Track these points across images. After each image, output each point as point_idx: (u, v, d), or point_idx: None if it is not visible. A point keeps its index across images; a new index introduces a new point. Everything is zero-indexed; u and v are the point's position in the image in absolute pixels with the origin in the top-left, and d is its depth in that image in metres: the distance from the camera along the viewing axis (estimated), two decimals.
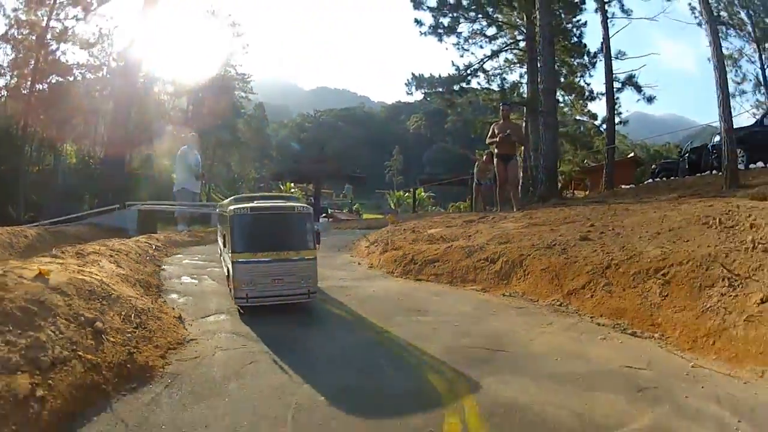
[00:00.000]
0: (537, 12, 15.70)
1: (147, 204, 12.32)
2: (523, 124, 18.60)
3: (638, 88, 19.89)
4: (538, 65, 15.38)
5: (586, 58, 21.24)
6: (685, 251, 3.41)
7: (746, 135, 13.28)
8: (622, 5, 19.98)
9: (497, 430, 2.01)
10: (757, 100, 22.76)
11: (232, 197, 6.18)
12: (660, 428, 1.98)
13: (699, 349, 2.73)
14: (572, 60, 21.40)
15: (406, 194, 33.72)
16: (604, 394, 2.28)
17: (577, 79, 21.45)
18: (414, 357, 2.88)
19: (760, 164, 12.85)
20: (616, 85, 20.00)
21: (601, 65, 20.07)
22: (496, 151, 10.16)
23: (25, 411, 1.78)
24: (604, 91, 20.05)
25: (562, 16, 20.88)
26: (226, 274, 5.09)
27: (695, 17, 20.77)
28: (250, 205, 4.92)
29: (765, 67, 21.82)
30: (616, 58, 20.25)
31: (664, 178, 15.97)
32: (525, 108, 19.93)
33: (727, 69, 19.85)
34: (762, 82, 22.20)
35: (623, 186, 16.68)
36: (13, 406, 1.75)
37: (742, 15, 22.15)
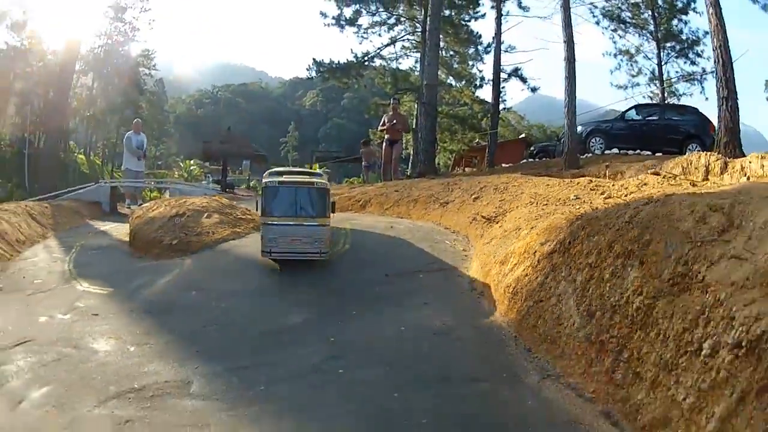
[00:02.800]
0: (428, 16, 20.69)
1: (115, 182, 16.27)
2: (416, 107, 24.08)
3: (523, 80, 26.08)
4: (425, 63, 20.18)
5: (479, 48, 26.99)
6: (449, 197, 9.62)
7: (607, 126, 18.61)
8: (520, 2, 25.66)
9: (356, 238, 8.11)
10: (651, 91, 28.78)
11: (268, 171, 8.77)
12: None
13: (437, 221, 8.80)
14: (464, 50, 27.18)
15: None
16: (408, 242, 7.68)
17: (468, 68, 27.66)
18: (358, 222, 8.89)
19: (614, 150, 17.39)
20: (504, 75, 25.76)
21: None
22: (386, 136, 15.90)
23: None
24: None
25: (460, 5, 26.27)
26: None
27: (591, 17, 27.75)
28: (279, 179, 7.55)
29: (662, 63, 27.79)
30: (506, 51, 25.82)
31: (544, 158, 20.01)
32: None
33: (622, 63, 27.98)
34: (656, 76, 28.46)
35: (504, 164, 21.42)
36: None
37: (646, 16, 28.03)
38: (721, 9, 13.84)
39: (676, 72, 27.45)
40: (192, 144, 37.66)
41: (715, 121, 14.20)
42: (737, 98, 13.29)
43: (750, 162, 8.81)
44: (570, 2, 15.59)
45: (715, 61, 13.89)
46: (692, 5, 26.54)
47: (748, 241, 2.74)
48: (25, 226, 9.61)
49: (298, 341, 4.57)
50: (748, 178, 8.21)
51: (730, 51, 13.82)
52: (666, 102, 26.10)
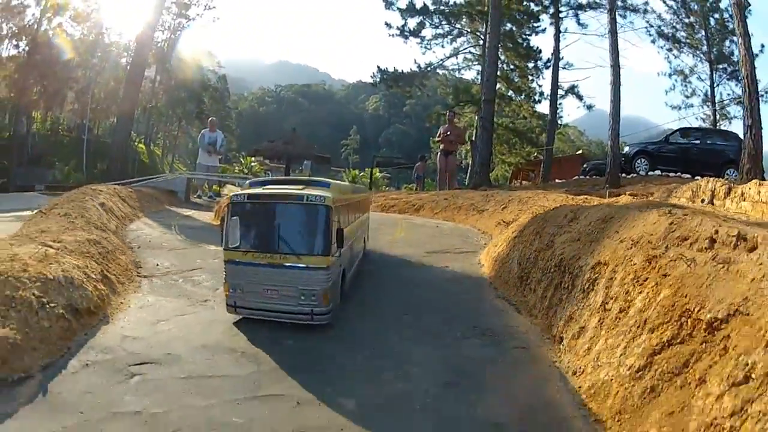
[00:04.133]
0: (488, 33, 23.75)
1: (187, 173, 20.58)
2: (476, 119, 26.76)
3: (579, 97, 29.03)
4: (484, 78, 23.34)
5: (539, 63, 29.64)
6: (485, 206, 12.79)
7: (653, 148, 20.37)
8: (578, 19, 28.51)
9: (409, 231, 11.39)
10: (704, 113, 30.59)
11: (249, 181, 8.24)
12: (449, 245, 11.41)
13: (473, 224, 12.11)
14: (523, 64, 29.78)
15: (362, 173, 42.11)
16: (447, 236, 11.13)
17: (528, 82, 30.13)
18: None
19: (657, 172, 19.28)
20: (561, 92, 28.89)
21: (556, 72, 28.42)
22: (441, 147, 18.86)
23: None
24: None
25: (521, 19, 29.07)
26: None
27: (648, 35, 29.78)
28: (251, 191, 6.54)
29: (714, 84, 29.04)
30: (564, 68, 28.81)
31: (596, 176, 21.62)
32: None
33: (676, 83, 30.46)
34: (708, 98, 29.82)
35: (557, 180, 24.30)
36: None
37: (700, 36, 29.61)
38: (750, 39, 15.48)
39: (728, 94, 28.50)
40: (253, 141, 41.95)
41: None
42: (761, 127, 14.62)
43: (750, 188, 10.62)
44: (618, 27, 17.98)
45: (742, 91, 15.42)
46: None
47: (578, 226, 6.02)
48: (121, 206, 11.92)
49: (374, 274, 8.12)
50: (746, 201, 10.30)
51: (756, 81, 15.21)
52: (717, 125, 27.89)
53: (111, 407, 3.68)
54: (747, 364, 2.86)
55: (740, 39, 15.20)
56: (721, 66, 28.42)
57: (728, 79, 28.14)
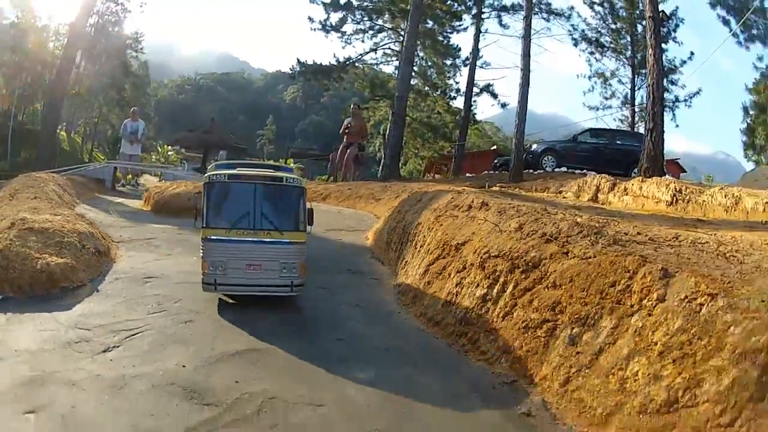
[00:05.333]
0: (406, 33, 26.14)
1: (114, 162, 23.12)
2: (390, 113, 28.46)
3: (494, 95, 32.10)
4: (399, 76, 26.29)
5: (457, 60, 33.12)
6: (382, 195, 16.58)
7: (560, 147, 22.76)
8: (500, 21, 31.71)
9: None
10: (623, 114, 34.42)
11: (215, 163, 9.85)
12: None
13: (370, 210, 15.79)
14: (441, 61, 33.19)
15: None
16: (345, 219, 14.73)
17: (445, 78, 33.77)
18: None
19: (563, 169, 21.09)
20: (476, 90, 31.95)
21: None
22: (344, 139, 21.53)
23: None
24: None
25: (443, 18, 31.80)
26: None
27: (571, 38, 33.05)
28: (229, 171, 7.43)
29: (635, 88, 32.53)
30: (481, 67, 32.13)
31: (504, 171, 23.64)
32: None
33: (595, 85, 34.48)
34: (628, 101, 33.51)
35: (468, 174, 27.33)
36: None
37: (626, 42, 33.20)
38: (661, 51, 17.91)
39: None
40: (171, 129, 44.51)
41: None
42: (663, 131, 16.82)
43: (632, 184, 13.60)
44: (532, 32, 20.85)
45: (647, 97, 17.85)
46: (672, 35, 31.94)
47: (419, 204, 9.97)
48: (60, 192, 13.97)
49: None
50: (628, 195, 13.37)
51: (662, 89, 17.71)
52: (635, 126, 31.03)
53: (139, 295, 7.11)
54: (466, 262, 6.80)
55: (650, 50, 17.48)
56: (644, 71, 30.43)
57: None
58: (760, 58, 30.59)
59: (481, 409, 4.86)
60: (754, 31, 28.29)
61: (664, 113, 28.84)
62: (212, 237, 6.75)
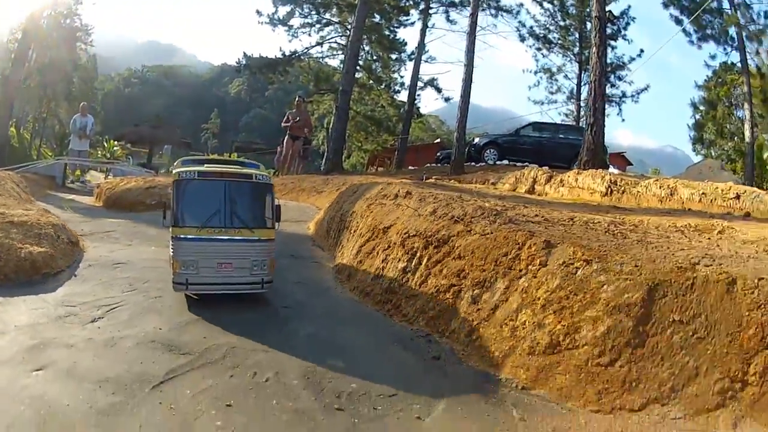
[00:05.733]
0: (351, 27, 27.03)
1: (64, 159, 23.29)
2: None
3: (438, 89, 32.82)
4: (344, 70, 26.57)
5: (402, 55, 33.65)
6: (324, 188, 17.83)
7: (503, 140, 23.17)
8: (448, 16, 32.14)
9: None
10: (568, 109, 35.26)
11: (181, 159, 9.32)
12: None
13: (312, 202, 17.05)
14: (387, 55, 33.58)
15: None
16: (289, 211, 16.32)
17: (390, 72, 34.28)
18: None
19: (505, 161, 21.84)
20: (421, 84, 32.48)
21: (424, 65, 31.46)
22: (289, 132, 21.36)
23: None
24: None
25: (390, 12, 32.15)
26: None
27: (518, 35, 33.77)
28: (198, 168, 7.47)
29: (581, 83, 32.63)
30: (426, 61, 32.67)
31: (446, 164, 23.87)
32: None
33: (541, 81, 35.35)
34: (574, 95, 34.10)
35: (410, 167, 28.14)
36: None
37: (574, 38, 33.81)
38: (605, 49, 18.41)
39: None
40: (117, 123, 44.50)
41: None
42: (603, 126, 17.19)
43: (569, 176, 14.30)
44: (476, 29, 21.17)
45: (589, 93, 17.94)
46: (623, 33, 33.05)
47: (355, 195, 11.37)
48: (18, 190, 14.06)
49: None
50: (563, 187, 13.95)
51: (604, 86, 18.16)
52: (580, 120, 30.95)
53: (112, 278, 8.19)
54: (391, 242, 8.18)
55: (594, 48, 17.94)
56: (590, 67, 30.90)
57: None
58: (713, 57, 31.87)
59: (400, 354, 6.23)
60: (708, 31, 29.27)
61: (611, 108, 31.37)
62: (184, 236, 6.82)
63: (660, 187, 12.43)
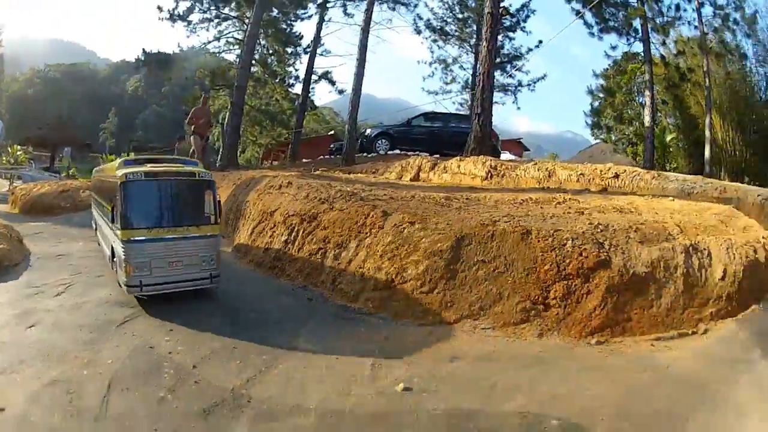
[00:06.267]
0: (250, 24, 26.52)
1: None
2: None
3: (332, 82, 32.82)
4: (239, 65, 26.61)
5: (298, 48, 33.09)
6: (221, 183, 20.05)
7: (394, 131, 23.29)
8: (345, 9, 31.94)
9: None
10: (463, 98, 34.88)
11: (121, 160, 9.29)
12: None
13: None
14: (282, 49, 33.13)
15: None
16: None
17: (285, 66, 34.00)
18: None
19: (397, 151, 22.06)
20: (315, 77, 32.29)
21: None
22: (195, 130, 20.38)
23: None
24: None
25: (288, 5, 31.42)
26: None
27: (415, 27, 33.35)
28: (143, 169, 7.50)
29: (476, 74, 28.94)
30: (321, 55, 32.77)
31: (339, 155, 23.99)
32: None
33: (436, 71, 34.81)
34: (469, 85, 33.60)
35: (304, 159, 28.23)
36: None
37: (471, 30, 33.80)
38: (495, 44, 19.07)
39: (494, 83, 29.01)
40: (21, 126, 43.63)
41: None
42: (491, 115, 17.90)
43: (451, 163, 15.33)
44: (370, 26, 21.53)
45: (478, 84, 18.53)
46: (522, 24, 33.56)
47: (248, 187, 13.97)
48: None
49: None
50: (447, 173, 14.90)
51: (492, 78, 18.69)
52: (473, 111, 29.07)
53: (60, 266, 10.63)
54: (276, 222, 11.08)
55: (485, 43, 18.45)
56: None
57: (494, 70, 28.29)
58: (614, 48, 31.88)
59: (284, 299, 8.98)
60: (611, 23, 29.72)
61: (507, 96, 33.55)
62: (135, 238, 7.02)
63: (538, 170, 13.54)
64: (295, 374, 6.28)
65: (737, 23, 28.73)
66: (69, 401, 5.45)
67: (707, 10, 28.50)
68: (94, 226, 12.03)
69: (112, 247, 7.98)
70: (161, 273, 7.19)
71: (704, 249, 7.98)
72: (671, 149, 34.13)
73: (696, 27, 28.09)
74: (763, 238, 8.40)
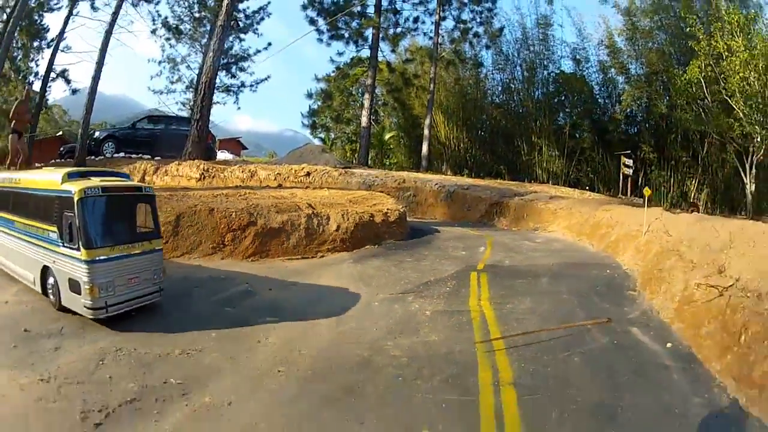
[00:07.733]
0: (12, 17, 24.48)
1: None
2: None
3: (68, 81, 31.88)
4: None
5: (43, 42, 31.68)
6: None
7: (120, 133, 23.95)
8: (93, 3, 29.89)
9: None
10: (187, 98, 34.81)
11: (68, 170, 7.66)
12: None
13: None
14: (30, 43, 31.37)
15: None
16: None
17: (29, 61, 31.95)
18: None
19: (122, 154, 22.60)
20: (54, 75, 30.73)
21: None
22: (13, 127, 16.99)
23: None
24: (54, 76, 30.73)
25: None
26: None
27: (153, 25, 32.95)
28: (99, 183, 6.59)
29: (199, 74, 29.94)
30: (62, 51, 31.03)
31: (70, 159, 22.78)
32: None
33: (164, 70, 34.92)
34: (193, 85, 33.43)
35: (37, 164, 23.14)
36: None
37: (205, 30, 33.50)
38: (221, 55, 20.39)
39: (217, 84, 29.75)
40: None
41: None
42: (208, 122, 19.40)
43: (171, 167, 17.70)
44: (114, 29, 20.99)
45: (199, 92, 19.71)
46: (255, 26, 34.78)
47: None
48: None
49: None
50: (168, 176, 16.82)
51: (213, 86, 19.89)
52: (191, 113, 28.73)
53: None
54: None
55: (212, 54, 19.12)
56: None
57: (219, 71, 29.99)
58: (341, 54, 34.64)
59: None
60: (342, 32, 31.28)
61: (229, 97, 34.95)
62: (100, 257, 6.65)
63: (242, 171, 15.46)
64: None
65: (477, 36, 32.37)
66: None
67: (449, 24, 32.52)
68: None
69: (49, 269, 7.56)
70: (123, 291, 7.01)
71: (324, 215, 12.65)
72: (391, 146, 37.84)
73: (431, 38, 31.05)
74: (387, 209, 13.17)
